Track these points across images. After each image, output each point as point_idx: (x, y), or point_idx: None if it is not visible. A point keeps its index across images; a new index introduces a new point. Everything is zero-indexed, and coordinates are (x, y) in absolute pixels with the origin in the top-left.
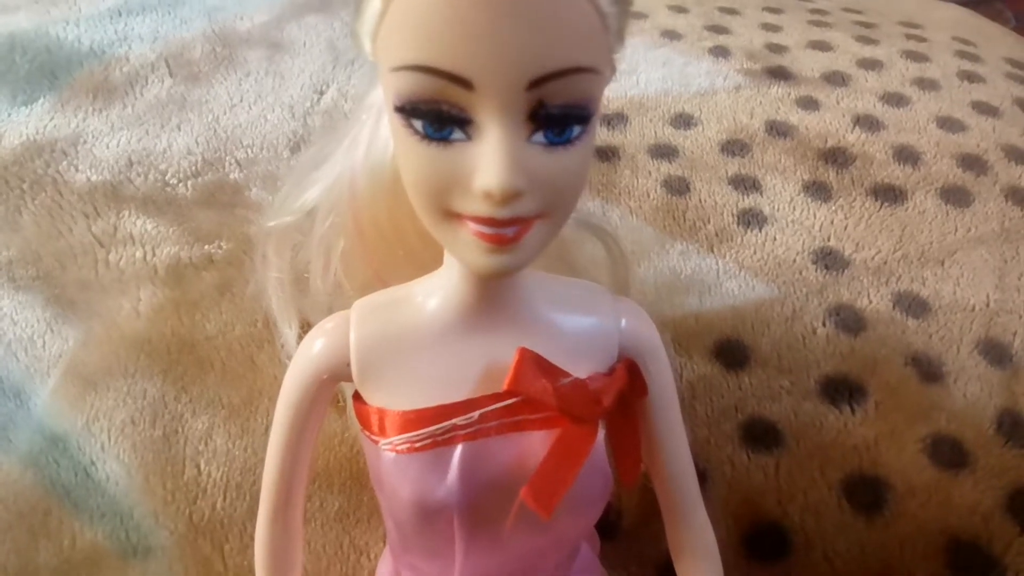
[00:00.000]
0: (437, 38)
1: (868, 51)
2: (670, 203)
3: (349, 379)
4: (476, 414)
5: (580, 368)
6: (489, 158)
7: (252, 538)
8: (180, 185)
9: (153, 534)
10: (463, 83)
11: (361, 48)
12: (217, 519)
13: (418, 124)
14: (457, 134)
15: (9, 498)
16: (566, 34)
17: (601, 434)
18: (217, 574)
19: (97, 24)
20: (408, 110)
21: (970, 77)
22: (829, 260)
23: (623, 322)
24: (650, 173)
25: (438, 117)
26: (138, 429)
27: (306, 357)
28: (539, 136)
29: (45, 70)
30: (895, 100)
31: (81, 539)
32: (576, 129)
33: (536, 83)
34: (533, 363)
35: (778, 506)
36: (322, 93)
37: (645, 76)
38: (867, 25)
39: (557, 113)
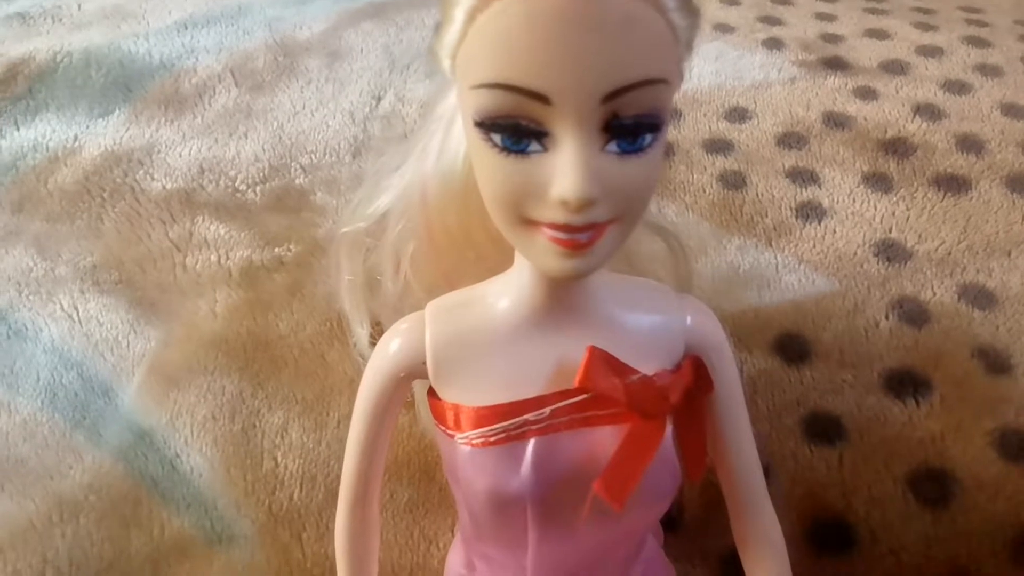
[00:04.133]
0: (516, 57)
1: (927, 38)
2: (727, 198)
3: (425, 376)
4: (547, 410)
5: (647, 365)
6: (565, 169)
7: (328, 527)
8: (249, 191)
9: (236, 523)
10: (541, 99)
11: (440, 66)
12: (295, 509)
13: (497, 138)
14: (534, 146)
15: (103, 489)
16: (639, 49)
17: (669, 429)
18: (296, 561)
19: (165, 38)
20: (488, 125)
21: None
22: (891, 252)
23: (688, 319)
24: (705, 168)
25: (516, 131)
26: (218, 424)
27: (384, 356)
28: (612, 146)
29: (119, 83)
30: (957, 87)
31: (169, 527)
32: (648, 138)
33: (610, 96)
34: (603, 361)
35: (842, 499)
36: (380, 98)
37: (698, 70)
38: (926, 11)
39: (630, 123)
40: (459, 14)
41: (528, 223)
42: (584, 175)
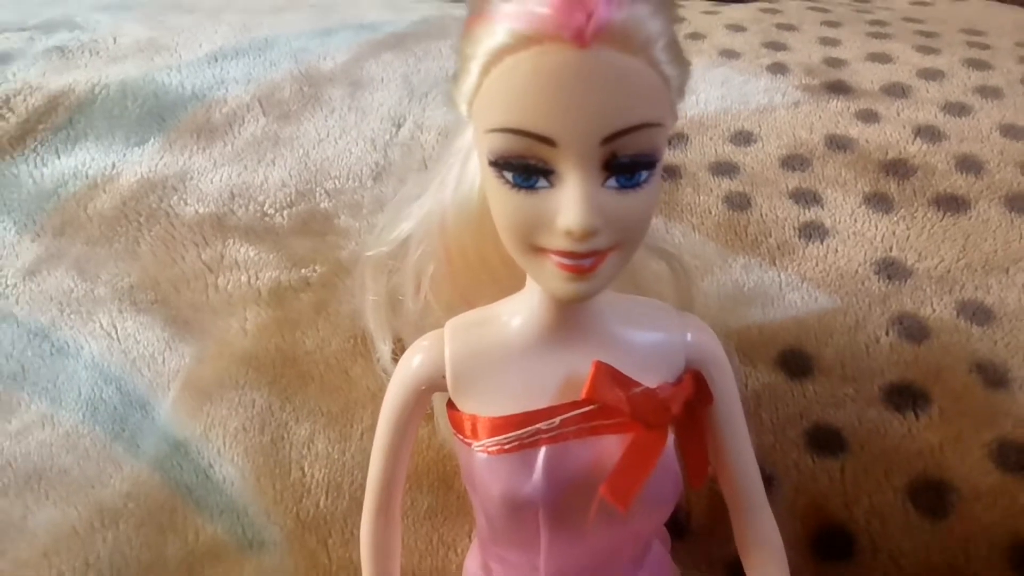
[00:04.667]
0: (525, 106)
1: (929, 61)
2: (732, 219)
3: (444, 389)
4: (557, 420)
5: (650, 378)
6: (569, 203)
7: (352, 533)
8: (277, 215)
9: (266, 529)
10: (547, 142)
11: (457, 110)
12: (321, 516)
13: (509, 175)
14: (542, 183)
15: (141, 497)
16: (634, 98)
17: (671, 439)
18: (322, 565)
19: (196, 70)
20: (500, 164)
21: None
22: (892, 270)
23: (689, 336)
24: (711, 190)
25: (526, 169)
26: (249, 435)
27: (406, 371)
28: (612, 181)
29: (154, 114)
30: (957, 109)
31: (203, 534)
32: (644, 174)
33: (609, 139)
34: (608, 375)
35: (844, 509)
36: (400, 126)
37: (704, 96)
38: (928, 34)
39: (627, 162)
40: (474, 67)
41: (537, 250)
42: (586, 208)
